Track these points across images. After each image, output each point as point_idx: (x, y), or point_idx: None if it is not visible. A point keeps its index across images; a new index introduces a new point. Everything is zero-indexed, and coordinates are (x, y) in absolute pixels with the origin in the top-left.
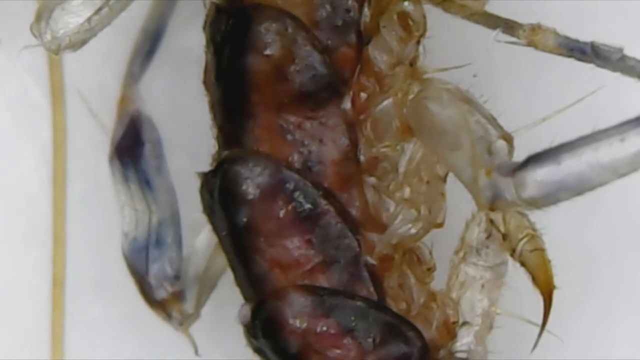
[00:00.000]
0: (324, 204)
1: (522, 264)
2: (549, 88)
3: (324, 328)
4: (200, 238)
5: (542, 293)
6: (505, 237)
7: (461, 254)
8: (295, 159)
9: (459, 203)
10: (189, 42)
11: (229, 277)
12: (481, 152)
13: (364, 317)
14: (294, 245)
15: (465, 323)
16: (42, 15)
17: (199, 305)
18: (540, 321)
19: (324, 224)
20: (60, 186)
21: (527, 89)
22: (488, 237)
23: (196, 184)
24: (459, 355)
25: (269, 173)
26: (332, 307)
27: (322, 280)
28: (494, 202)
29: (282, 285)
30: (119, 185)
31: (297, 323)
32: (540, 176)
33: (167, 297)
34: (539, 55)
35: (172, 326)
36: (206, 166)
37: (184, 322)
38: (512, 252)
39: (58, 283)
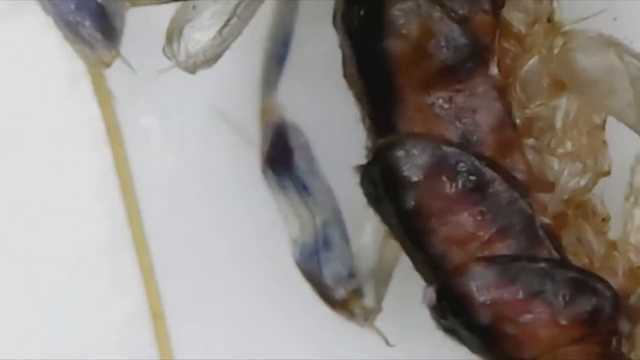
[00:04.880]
0: (489, 173)
1: None
2: None
3: (512, 295)
4: (366, 233)
5: None
6: None
7: (632, 199)
8: (452, 133)
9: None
10: (314, 42)
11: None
12: None
13: (550, 278)
14: (467, 219)
15: None
16: (173, 36)
17: (379, 298)
18: None
19: (492, 192)
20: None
21: None
22: None
23: (349, 179)
24: None
25: (429, 153)
26: (516, 273)
27: (501, 249)
28: None
29: (462, 261)
30: (278, 195)
31: (485, 295)
32: None
33: (346, 295)
34: None
35: (357, 323)
36: (356, 161)
37: (367, 318)
38: None
39: (157, 315)
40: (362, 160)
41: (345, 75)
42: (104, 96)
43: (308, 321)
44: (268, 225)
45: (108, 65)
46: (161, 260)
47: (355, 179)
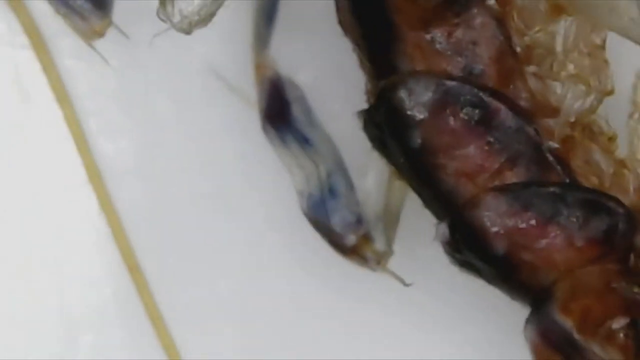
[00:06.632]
0: (493, 103)
1: None
2: None
3: (526, 222)
4: (369, 179)
5: None
6: None
7: (636, 116)
8: (454, 67)
9: None
10: None
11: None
12: None
13: (562, 201)
14: (475, 152)
15: None
16: None
17: (389, 241)
18: None
19: (498, 122)
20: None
21: None
22: None
23: (348, 127)
24: None
25: (432, 89)
26: (528, 200)
27: (511, 177)
28: None
29: (473, 193)
30: (280, 150)
31: (498, 225)
32: None
33: (357, 241)
34: None
35: (370, 268)
36: (354, 108)
37: (380, 261)
38: None
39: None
40: (362, 106)
41: (340, 22)
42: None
43: (324, 271)
44: (272, 179)
45: (101, 35)
46: (158, 232)
47: (355, 125)
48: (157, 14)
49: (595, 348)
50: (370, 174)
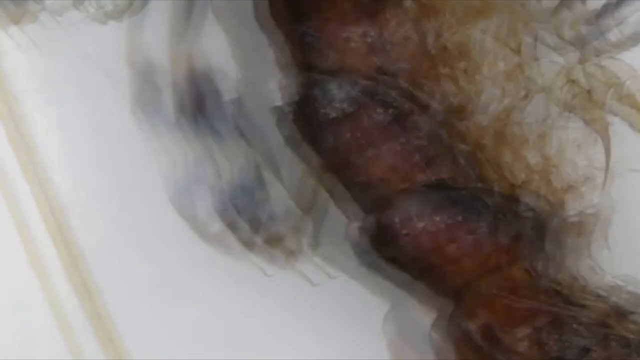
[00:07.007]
0: (407, 104)
1: (615, 114)
2: None
3: (436, 225)
4: (282, 175)
5: None
6: (590, 92)
7: (550, 121)
8: (369, 67)
9: None
10: None
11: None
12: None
13: (472, 205)
14: (388, 152)
15: (570, 187)
16: None
17: (299, 240)
18: None
19: (411, 123)
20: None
21: None
22: (573, 98)
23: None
24: (571, 220)
25: (346, 88)
26: (439, 202)
27: (423, 179)
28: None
29: (385, 194)
30: (193, 143)
31: (408, 227)
32: (621, 17)
33: (266, 239)
34: None
35: (279, 266)
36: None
37: (289, 260)
38: (602, 105)
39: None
40: (277, 102)
41: (258, 17)
42: None
43: (227, 267)
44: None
45: (34, 19)
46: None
47: (270, 121)
48: (74, 4)
49: (499, 356)
50: (282, 170)
